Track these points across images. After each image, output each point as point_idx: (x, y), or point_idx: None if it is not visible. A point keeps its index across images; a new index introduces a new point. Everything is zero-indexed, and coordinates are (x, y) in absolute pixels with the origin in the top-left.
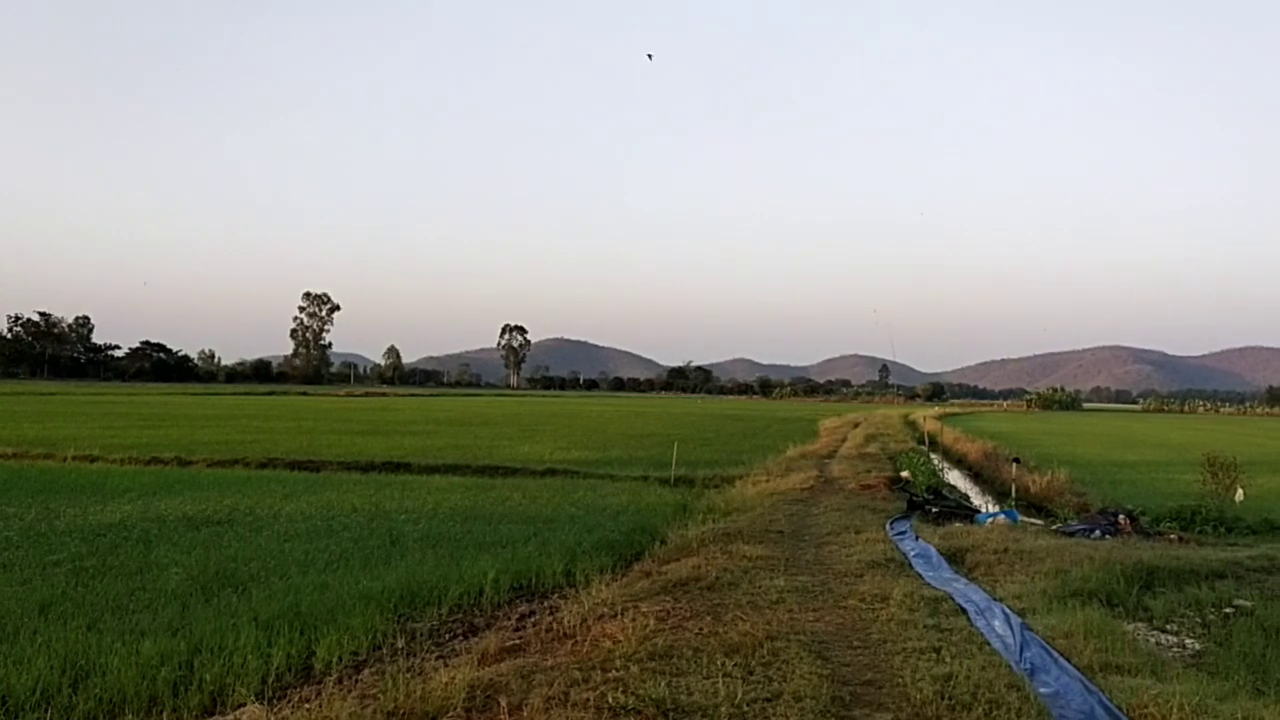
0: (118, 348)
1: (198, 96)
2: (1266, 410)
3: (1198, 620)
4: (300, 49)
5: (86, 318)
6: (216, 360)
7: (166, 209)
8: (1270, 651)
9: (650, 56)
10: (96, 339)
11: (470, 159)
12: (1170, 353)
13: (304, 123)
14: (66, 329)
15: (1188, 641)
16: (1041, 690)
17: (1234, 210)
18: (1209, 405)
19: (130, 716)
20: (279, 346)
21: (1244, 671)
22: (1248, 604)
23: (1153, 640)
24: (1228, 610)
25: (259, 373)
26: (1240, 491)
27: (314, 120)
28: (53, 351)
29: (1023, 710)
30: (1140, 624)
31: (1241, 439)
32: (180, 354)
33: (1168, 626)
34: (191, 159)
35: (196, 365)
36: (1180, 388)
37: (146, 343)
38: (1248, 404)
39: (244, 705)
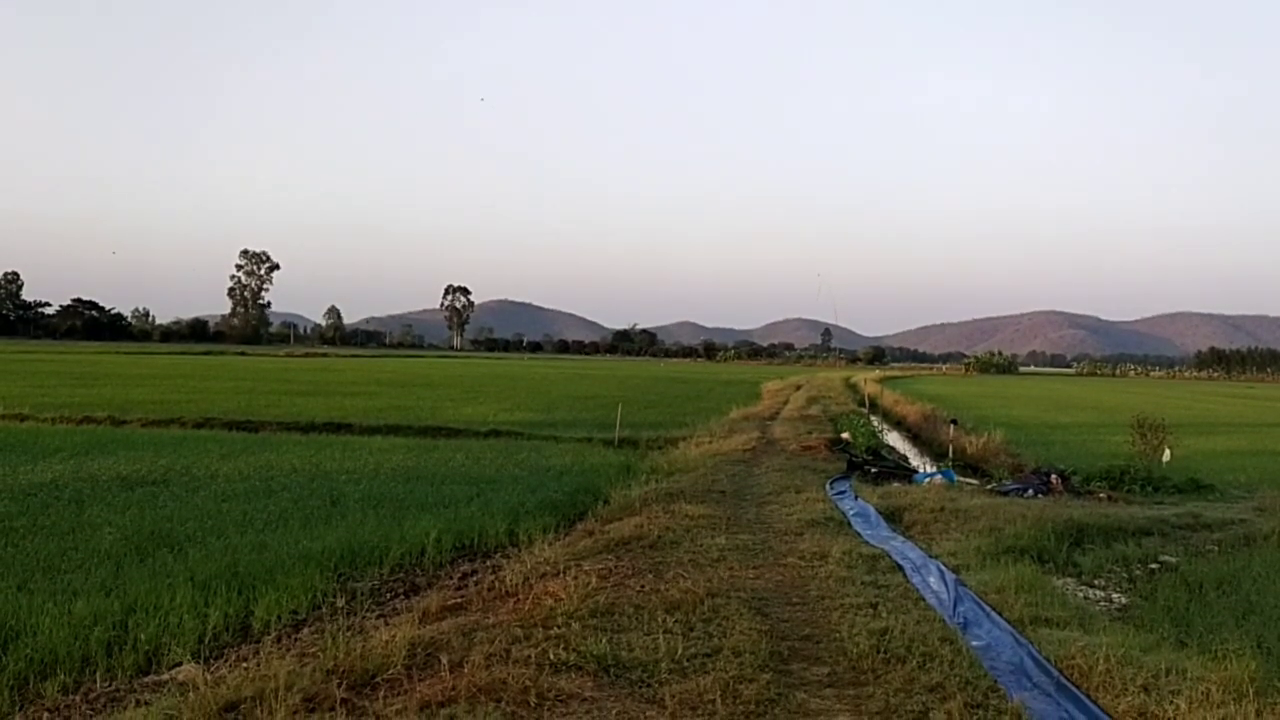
0: (48, 305)
1: (135, 51)
2: (1194, 374)
3: (1125, 576)
4: (246, 9)
5: (16, 274)
6: (151, 319)
7: (100, 163)
8: (1193, 605)
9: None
10: (26, 296)
11: (417, 119)
12: (1104, 318)
13: (246, 80)
14: None
15: (1115, 596)
16: (974, 643)
17: (1166, 181)
18: (1140, 369)
19: (62, 676)
20: (216, 305)
21: (1168, 624)
22: (1172, 560)
23: (1081, 595)
24: (1153, 566)
25: (195, 332)
26: (1168, 452)
27: (256, 77)
28: None
29: (955, 662)
30: (1070, 579)
31: (1170, 402)
32: (113, 312)
33: (1096, 581)
34: (127, 114)
35: (130, 324)
36: (1113, 352)
37: (78, 300)
38: (1177, 368)
39: (180, 664)
